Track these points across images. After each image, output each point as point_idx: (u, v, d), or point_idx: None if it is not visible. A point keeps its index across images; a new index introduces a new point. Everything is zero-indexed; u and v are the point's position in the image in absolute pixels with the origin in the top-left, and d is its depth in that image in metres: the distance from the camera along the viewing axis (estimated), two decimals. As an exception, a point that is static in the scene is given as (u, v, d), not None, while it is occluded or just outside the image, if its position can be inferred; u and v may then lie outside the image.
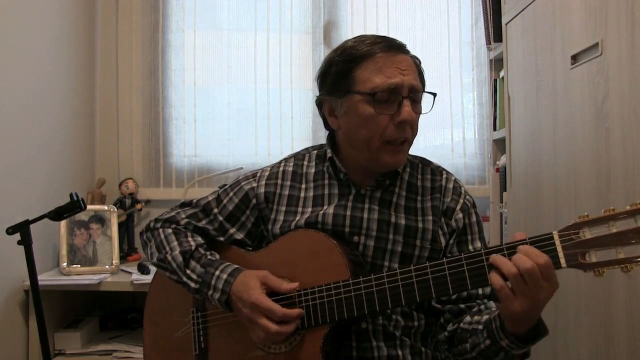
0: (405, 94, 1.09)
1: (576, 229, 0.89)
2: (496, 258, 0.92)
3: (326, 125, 1.22)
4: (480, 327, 1.05)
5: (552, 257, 0.89)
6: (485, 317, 1.05)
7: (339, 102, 1.14)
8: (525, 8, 1.80)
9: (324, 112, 1.20)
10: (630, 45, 1.23)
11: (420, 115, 1.14)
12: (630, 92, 1.23)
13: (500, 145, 2.34)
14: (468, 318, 1.10)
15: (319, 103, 1.21)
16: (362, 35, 1.16)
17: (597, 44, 1.35)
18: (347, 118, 1.13)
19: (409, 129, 1.11)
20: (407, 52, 1.13)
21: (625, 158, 1.25)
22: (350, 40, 1.16)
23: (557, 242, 0.90)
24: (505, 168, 2.07)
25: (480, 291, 1.14)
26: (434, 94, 1.15)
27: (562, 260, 0.89)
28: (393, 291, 1.02)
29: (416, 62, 1.15)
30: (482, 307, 1.12)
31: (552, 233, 0.91)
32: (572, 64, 1.48)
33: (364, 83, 1.09)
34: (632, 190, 1.22)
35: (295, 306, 1.09)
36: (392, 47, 1.11)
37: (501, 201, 2.18)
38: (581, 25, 1.44)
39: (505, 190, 2.07)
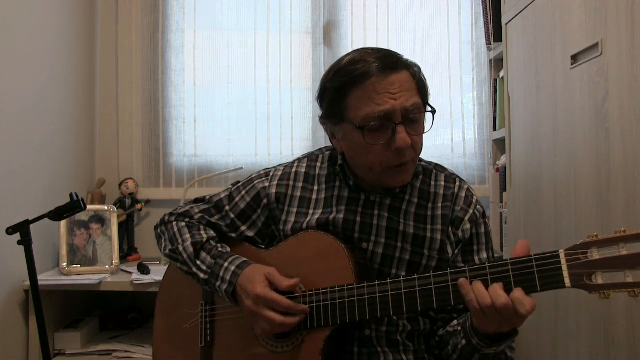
0: (399, 119, 1.04)
1: (584, 248, 0.87)
2: (475, 287, 0.92)
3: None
4: (459, 328, 1.06)
5: (556, 275, 0.88)
6: (463, 318, 1.06)
7: (335, 129, 1.14)
8: (525, 8, 1.80)
9: (326, 132, 1.20)
10: (630, 45, 1.23)
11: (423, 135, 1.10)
12: (630, 92, 1.23)
13: (500, 145, 2.34)
14: (455, 322, 1.12)
15: (322, 123, 1.19)
16: (357, 53, 1.09)
17: (597, 44, 1.35)
18: (346, 144, 1.13)
19: (410, 151, 1.07)
20: (402, 67, 1.06)
21: (625, 158, 1.25)
22: (345, 57, 1.10)
23: (563, 261, 0.88)
24: (505, 168, 2.07)
25: None
26: (434, 111, 1.09)
27: (567, 280, 0.88)
28: (395, 298, 1.02)
29: (414, 73, 1.08)
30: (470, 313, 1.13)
31: (558, 251, 0.89)
32: (572, 64, 1.48)
33: (355, 112, 1.06)
34: (632, 190, 1.22)
35: None
36: (386, 68, 1.04)
37: (501, 201, 2.18)
38: (581, 25, 1.44)
39: (505, 190, 2.06)
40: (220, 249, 1.19)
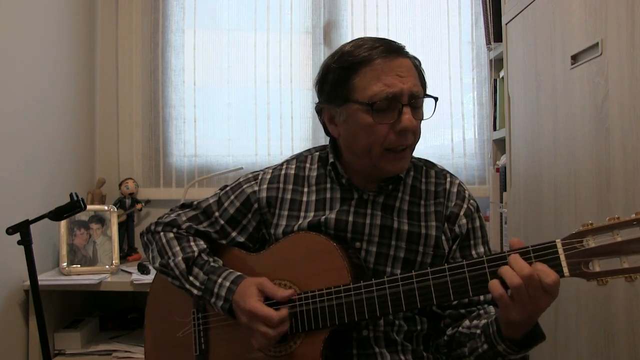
0: (405, 101, 1.05)
1: (580, 237, 0.87)
2: (502, 270, 0.90)
3: (326, 131, 1.20)
4: (478, 331, 1.04)
5: (555, 265, 0.88)
6: (484, 321, 1.05)
7: (337, 110, 1.12)
8: (525, 8, 1.80)
9: (323, 119, 1.18)
10: (630, 45, 1.23)
11: (422, 120, 1.11)
12: (630, 92, 1.23)
13: (500, 145, 2.34)
14: (467, 322, 1.10)
15: (319, 110, 1.18)
16: (359, 39, 1.12)
17: (597, 44, 1.35)
18: (347, 126, 1.11)
19: (411, 135, 1.08)
20: (406, 54, 1.09)
21: (625, 158, 1.25)
22: (347, 44, 1.12)
23: (561, 251, 0.88)
24: (505, 168, 2.07)
25: (481, 297, 1.13)
26: (436, 98, 1.11)
27: (565, 269, 0.88)
28: (394, 297, 1.01)
29: (416, 64, 1.11)
30: (482, 312, 1.12)
31: (555, 241, 0.89)
32: (572, 64, 1.48)
33: (362, 91, 1.06)
34: (632, 190, 1.22)
35: (296, 309, 1.09)
36: (391, 51, 1.07)
37: (501, 201, 2.18)
38: (581, 25, 1.44)
39: (505, 190, 2.07)
40: (212, 264, 1.17)
